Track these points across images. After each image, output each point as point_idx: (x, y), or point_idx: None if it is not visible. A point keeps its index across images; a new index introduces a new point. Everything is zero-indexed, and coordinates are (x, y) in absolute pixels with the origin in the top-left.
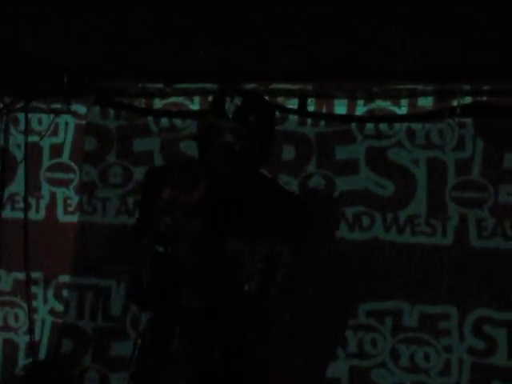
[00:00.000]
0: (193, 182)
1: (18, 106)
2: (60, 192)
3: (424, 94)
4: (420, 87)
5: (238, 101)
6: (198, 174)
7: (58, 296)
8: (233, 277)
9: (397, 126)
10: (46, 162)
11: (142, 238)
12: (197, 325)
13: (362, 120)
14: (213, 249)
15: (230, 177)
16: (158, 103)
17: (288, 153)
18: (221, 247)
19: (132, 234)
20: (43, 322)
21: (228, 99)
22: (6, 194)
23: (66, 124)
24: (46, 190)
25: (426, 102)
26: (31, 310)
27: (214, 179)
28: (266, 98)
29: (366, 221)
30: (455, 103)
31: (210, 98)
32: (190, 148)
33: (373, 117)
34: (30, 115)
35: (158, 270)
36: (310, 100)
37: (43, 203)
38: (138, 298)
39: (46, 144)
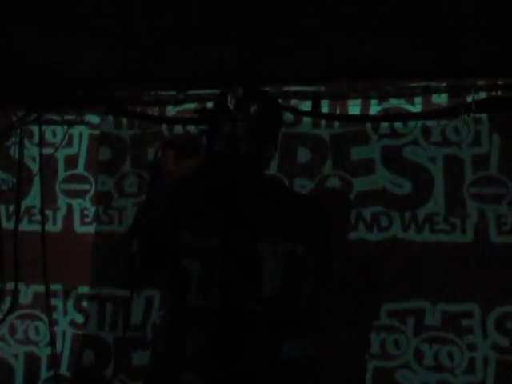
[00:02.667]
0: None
1: (32, 119)
2: (76, 203)
3: (438, 90)
4: (434, 84)
5: (239, 93)
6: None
7: (77, 307)
8: (255, 279)
9: (412, 124)
10: (62, 173)
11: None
12: (214, 327)
13: (376, 119)
14: (233, 250)
15: (236, 167)
16: (172, 110)
17: (303, 155)
18: (241, 248)
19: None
20: (64, 334)
21: (230, 93)
22: (23, 207)
23: (80, 135)
24: (62, 201)
25: (440, 99)
26: (51, 323)
27: (227, 181)
28: (280, 100)
29: (384, 221)
30: (470, 99)
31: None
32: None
33: (387, 116)
34: (43, 127)
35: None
36: (323, 101)
37: (60, 215)
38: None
39: (60, 156)
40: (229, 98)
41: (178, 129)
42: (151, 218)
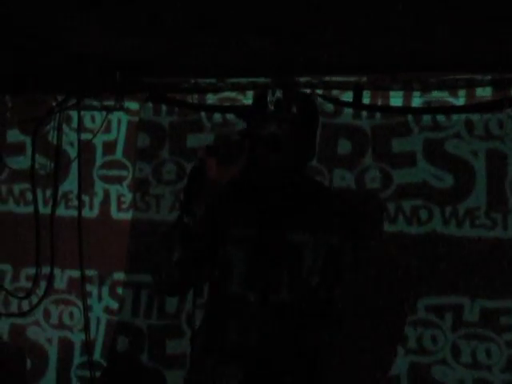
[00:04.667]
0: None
1: (71, 104)
2: (113, 189)
3: (482, 83)
4: (478, 77)
5: (278, 93)
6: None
7: (112, 294)
8: (294, 270)
9: (454, 117)
10: (99, 159)
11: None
12: (253, 319)
13: (418, 112)
14: (270, 241)
15: (279, 169)
16: (211, 98)
17: (343, 146)
18: (281, 240)
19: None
20: (98, 320)
21: (270, 92)
22: (60, 192)
23: (119, 121)
24: (99, 187)
25: (484, 92)
26: (86, 308)
27: (268, 174)
28: (321, 91)
29: (424, 214)
30: None
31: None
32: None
33: (430, 108)
34: (82, 113)
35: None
36: (365, 92)
37: (97, 201)
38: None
39: (98, 141)
40: (268, 99)
41: (217, 117)
42: (186, 218)
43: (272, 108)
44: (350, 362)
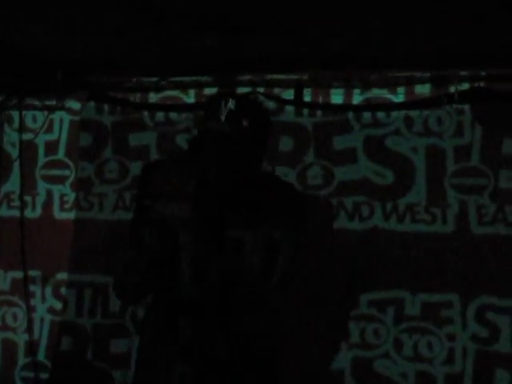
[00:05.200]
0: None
1: (12, 104)
2: (56, 189)
3: (421, 81)
4: (417, 74)
5: (231, 105)
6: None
7: (56, 294)
8: (234, 265)
9: (394, 114)
10: (42, 159)
11: (138, 228)
12: (200, 315)
13: (358, 109)
14: (213, 237)
15: (224, 173)
16: (153, 97)
17: (285, 144)
18: (221, 235)
19: (130, 226)
20: (42, 320)
21: (222, 103)
22: (2, 192)
23: (61, 120)
24: (41, 187)
25: (423, 89)
26: (30, 309)
27: (210, 171)
28: (262, 89)
29: (365, 210)
30: (453, 89)
31: (205, 93)
32: (185, 142)
33: (370, 105)
34: (23, 113)
35: (156, 257)
36: (306, 90)
37: (39, 201)
38: (130, 287)
39: (40, 141)
40: (220, 110)
41: (160, 115)
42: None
43: (223, 119)
44: (294, 352)
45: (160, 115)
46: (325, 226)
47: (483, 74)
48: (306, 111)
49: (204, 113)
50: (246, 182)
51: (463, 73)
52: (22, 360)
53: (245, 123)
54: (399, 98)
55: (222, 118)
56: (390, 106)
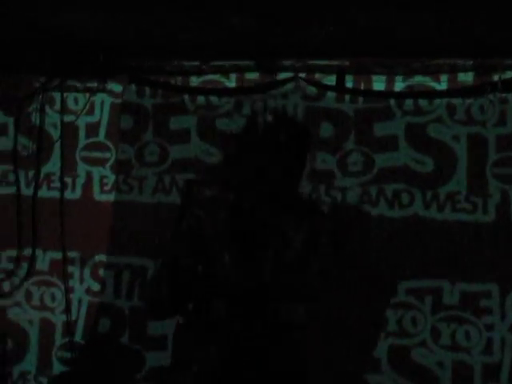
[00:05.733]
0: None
1: (54, 85)
2: (96, 171)
3: (464, 69)
4: (460, 62)
5: (270, 118)
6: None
7: (94, 275)
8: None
9: (436, 101)
10: (82, 141)
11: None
12: (235, 300)
13: (400, 96)
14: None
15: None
16: (194, 81)
17: (326, 130)
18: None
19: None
20: (80, 301)
21: (260, 118)
22: (42, 173)
23: (102, 103)
24: (82, 169)
25: (466, 77)
26: (68, 290)
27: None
28: (304, 74)
29: (405, 198)
30: (496, 78)
31: (247, 77)
32: (225, 126)
33: (412, 93)
34: (65, 94)
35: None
36: (348, 76)
37: (79, 182)
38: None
39: (81, 123)
40: (258, 124)
41: (201, 99)
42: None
43: (261, 133)
44: (333, 341)
45: (201, 99)
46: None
47: None
48: (347, 97)
49: (245, 129)
50: (282, 207)
51: (507, 61)
52: (59, 340)
53: (282, 137)
54: (442, 85)
55: (260, 132)
56: (432, 94)
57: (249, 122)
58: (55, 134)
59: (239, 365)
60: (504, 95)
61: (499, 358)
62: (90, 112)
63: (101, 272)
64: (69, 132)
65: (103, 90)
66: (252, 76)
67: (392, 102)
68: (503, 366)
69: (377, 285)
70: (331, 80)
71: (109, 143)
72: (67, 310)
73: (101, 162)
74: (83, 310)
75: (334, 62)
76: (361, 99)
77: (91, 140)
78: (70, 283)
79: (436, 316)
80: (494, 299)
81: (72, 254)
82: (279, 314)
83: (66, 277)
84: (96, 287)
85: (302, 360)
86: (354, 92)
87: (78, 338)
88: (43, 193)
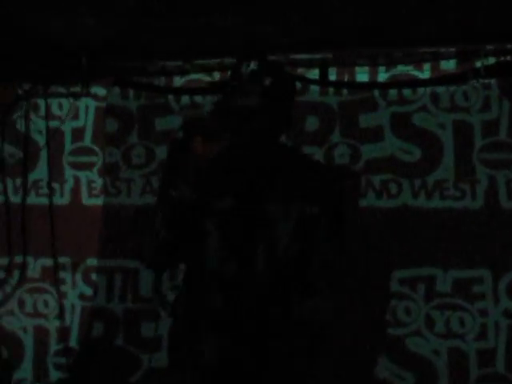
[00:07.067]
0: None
1: (37, 92)
2: (83, 175)
3: (446, 56)
4: (442, 50)
5: (253, 65)
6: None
7: (86, 280)
8: (269, 242)
9: (420, 90)
10: (68, 146)
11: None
12: (234, 293)
13: (384, 86)
14: (248, 214)
15: (252, 143)
16: (178, 81)
17: (311, 123)
18: (257, 212)
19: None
20: (73, 306)
21: (244, 65)
22: (30, 180)
23: (87, 107)
24: (69, 174)
25: (448, 65)
26: (60, 296)
27: (240, 146)
28: (287, 69)
29: (393, 188)
30: (479, 64)
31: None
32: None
33: (395, 82)
34: (49, 100)
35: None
36: (331, 69)
37: (67, 187)
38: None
39: (67, 128)
40: (242, 71)
41: (185, 99)
42: (174, 192)
43: (246, 80)
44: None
45: (185, 99)
46: (355, 198)
47: (509, 47)
48: (331, 90)
49: (229, 78)
50: (274, 155)
51: (489, 47)
52: (53, 346)
53: (267, 83)
54: (425, 74)
55: (245, 79)
56: (415, 83)
57: (233, 69)
58: (41, 140)
59: (238, 357)
60: (487, 81)
61: (494, 343)
62: (75, 117)
63: (93, 276)
64: (55, 138)
65: (87, 95)
66: None
67: (376, 92)
68: (498, 351)
69: (370, 276)
70: (314, 74)
71: (95, 147)
72: (61, 315)
73: (88, 167)
74: (77, 314)
75: (317, 56)
76: (345, 91)
77: (77, 145)
78: (63, 289)
79: (429, 304)
80: (487, 284)
81: (63, 260)
82: (279, 308)
83: (58, 282)
84: (88, 292)
85: (302, 353)
86: (338, 84)
87: (72, 343)
88: (32, 199)
